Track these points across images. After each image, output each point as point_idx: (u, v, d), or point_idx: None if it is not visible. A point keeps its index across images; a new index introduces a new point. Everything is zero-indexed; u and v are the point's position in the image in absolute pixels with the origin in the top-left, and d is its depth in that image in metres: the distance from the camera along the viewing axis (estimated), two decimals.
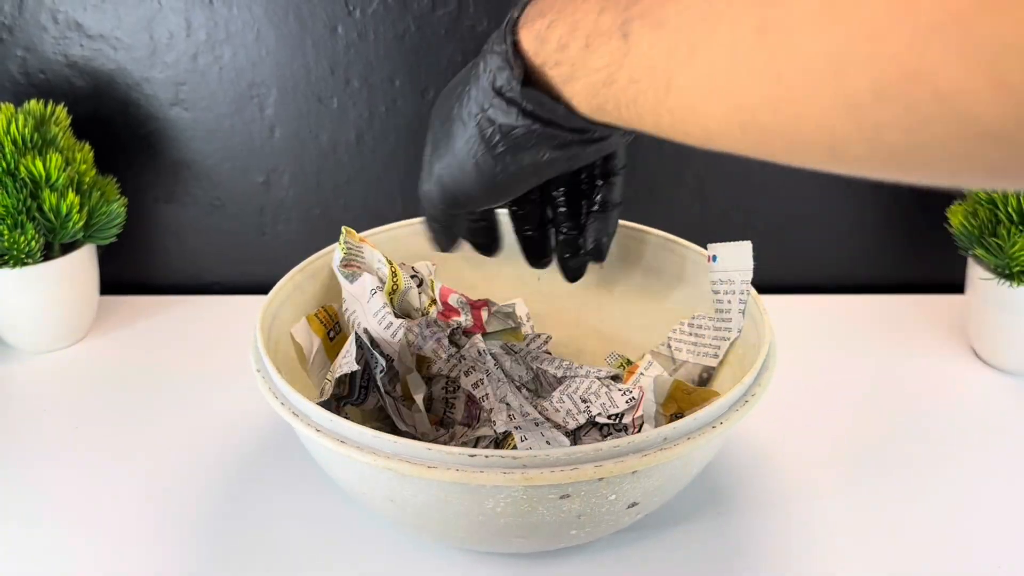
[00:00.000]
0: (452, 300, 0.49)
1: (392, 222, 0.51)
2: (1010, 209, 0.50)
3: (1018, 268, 0.50)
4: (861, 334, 0.60)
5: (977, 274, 0.53)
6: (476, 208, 0.33)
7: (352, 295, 0.44)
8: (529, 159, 0.30)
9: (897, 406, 0.51)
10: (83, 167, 0.57)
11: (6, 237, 0.52)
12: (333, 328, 0.46)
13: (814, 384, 0.53)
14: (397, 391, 0.44)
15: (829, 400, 0.52)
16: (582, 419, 0.44)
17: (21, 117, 0.53)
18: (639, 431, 0.41)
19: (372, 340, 0.42)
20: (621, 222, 0.49)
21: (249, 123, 0.63)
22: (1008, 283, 0.51)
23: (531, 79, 0.28)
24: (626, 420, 0.44)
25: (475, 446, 0.43)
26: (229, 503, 0.44)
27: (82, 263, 0.58)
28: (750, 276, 0.42)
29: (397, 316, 0.43)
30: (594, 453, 0.30)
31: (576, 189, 0.41)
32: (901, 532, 0.41)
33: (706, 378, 0.45)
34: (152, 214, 0.67)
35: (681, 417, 0.43)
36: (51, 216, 0.53)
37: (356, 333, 0.42)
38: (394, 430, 0.41)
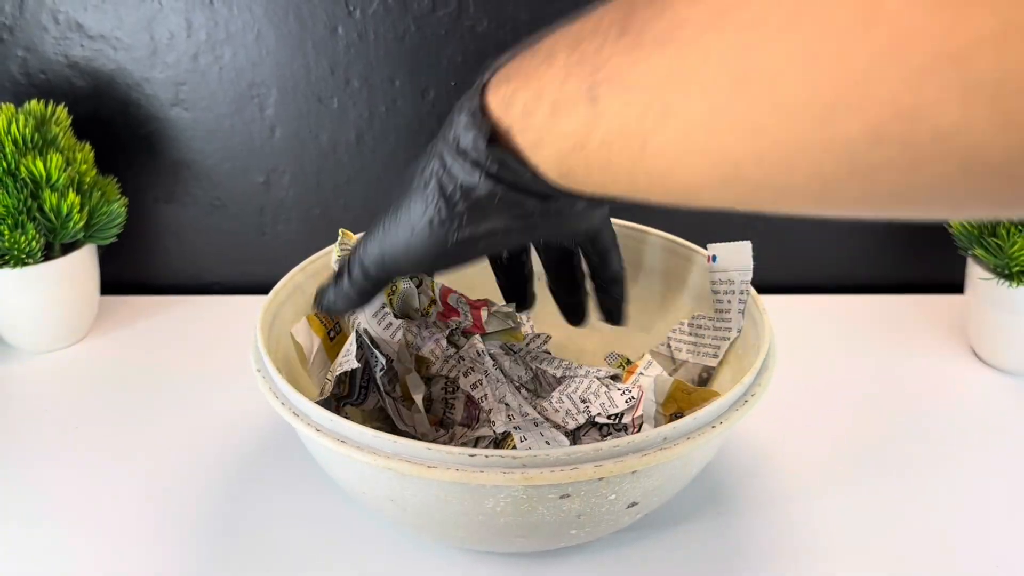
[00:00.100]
0: (451, 300, 0.49)
1: None
2: None
3: (1018, 268, 0.50)
4: (861, 334, 0.60)
5: (977, 274, 0.53)
6: (411, 274, 0.31)
7: None
8: (485, 227, 0.29)
9: (897, 406, 0.51)
10: (84, 167, 0.57)
11: (7, 237, 0.52)
12: (333, 328, 0.46)
13: (814, 384, 0.53)
14: (396, 391, 0.44)
15: (829, 400, 0.52)
16: (581, 419, 0.44)
17: (22, 117, 0.53)
18: (639, 431, 0.42)
19: (372, 339, 0.42)
20: (621, 222, 0.49)
21: (249, 123, 0.63)
22: (1008, 283, 0.51)
23: (498, 141, 0.27)
24: (626, 420, 0.44)
25: (475, 446, 0.43)
26: (229, 503, 0.44)
27: (82, 263, 0.58)
28: (750, 276, 0.42)
29: (397, 316, 0.44)
30: (594, 453, 0.30)
31: (569, 265, 0.42)
32: (901, 532, 0.41)
33: (706, 378, 0.45)
34: (152, 214, 0.67)
35: (681, 417, 0.43)
36: (52, 216, 0.54)
37: (356, 331, 0.42)
38: (394, 430, 0.41)
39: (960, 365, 0.56)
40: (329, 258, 0.47)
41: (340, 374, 0.40)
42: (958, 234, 0.54)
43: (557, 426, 0.44)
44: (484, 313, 0.50)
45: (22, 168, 0.53)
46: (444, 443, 0.43)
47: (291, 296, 0.44)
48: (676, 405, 0.43)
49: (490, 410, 0.44)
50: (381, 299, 0.43)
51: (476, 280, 0.53)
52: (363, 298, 0.36)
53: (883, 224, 0.67)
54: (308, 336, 0.45)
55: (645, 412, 0.43)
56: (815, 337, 0.59)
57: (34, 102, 0.56)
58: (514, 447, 0.40)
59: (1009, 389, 0.53)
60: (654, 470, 0.32)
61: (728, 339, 0.43)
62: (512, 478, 0.30)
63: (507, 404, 0.44)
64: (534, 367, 0.49)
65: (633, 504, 0.34)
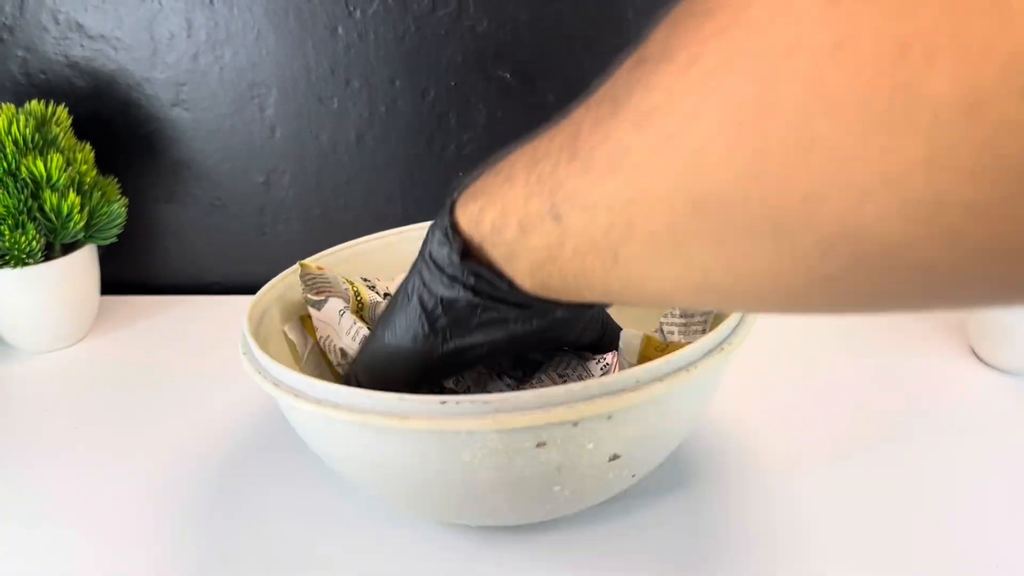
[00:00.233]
0: None
1: (392, 222, 0.51)
2: None
3: None
4: (861, 334, 0.60)
5: None
6: (402, 391, 0.32)
7: (323, 322, 0.44)
8: (470, 340, 0.30)
9: (897, 406, 0.51)
10: (84, 167, 0.57)
11: (7, 237, 0.52)
12: None
13: (814, 384, 0.53)
14: None
15: (828, 400, 0.52)
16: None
17: (22, 117, 0.53)
18: None
19: (350, 358, 0.42)
20: None
21: (249, 123, 0.63)
22: None
23: (473, 255, 0.28)
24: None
25: None
26: (229, 503, 0.44)
27: (83, 263, 0.58)
28: None
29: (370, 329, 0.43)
30: (566, 395, 0.30)
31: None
32: (900, 532, 0.41)
33: None
34: (152, 214, 0.67)
35: None
36: (52, 216, 0.54)
37: (333, 352, 0.42)
38: None
39: (960, 365, 0.56)
40: (331, 258, 0.47)
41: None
42: None
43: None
44: None
45: (22, 168, 0.53)
46: None
47: (283, 295, 0.44)
48: (649, 360, 0.43)
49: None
50: (352, 318, 0.43)
51: None
52: None
53: None
54: (302, 335, 0.45)
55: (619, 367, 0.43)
56: (815, 337, 0.59)
57: (34, 102, 0.56)
58: None
59: (1009, 389, 0.53)
60: (630, 416, 0.32)
61: (714, 311, 0.43)
62: (484, 423, 0.29)
63: (490, 391, 0.44)
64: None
65: (615, 457, 0.34)
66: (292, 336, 0.44)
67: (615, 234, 0.21)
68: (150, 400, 0.53)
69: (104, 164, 0.61)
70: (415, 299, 0.31)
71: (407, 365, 0.32)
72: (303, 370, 0.44)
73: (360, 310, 0.45)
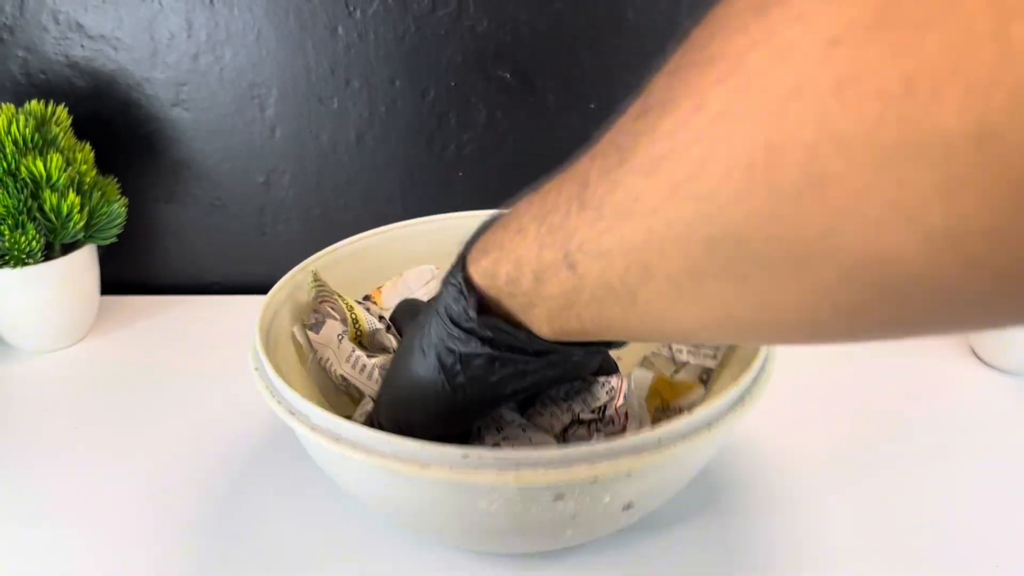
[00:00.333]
0: None
1: (392, 222, 0.51)
2: None
3: None
4: None
5: None
6: (428, 437, 0.32)
7: (321, 344, 0.44)
8: (491, 391, 0.31)
9: (897, 406, 0.51)
10: (84, 167, 0.57)
11: (7, 237, 0.52)
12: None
13: (814, 384, 0.53)
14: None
15: (829, 400, 0.52)
16: (567, 419, 0.44)
17: (22, 117, 0.53)
18: (625, 420, 0.41)
19: (351, 384, 0.42)
20: None
21: (249, 123, 0.63)
22: None
23: (488, 308, 0.29)
24: (609, 411, 0.44)
25: None
26: (229, 503, 0.44)
27: (82, 263, 0.58)
28: None
29: (370, 355, 0.43)
30: (588, 453, 0.30)
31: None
32: (900, 532, 0.41)
33: (705, 379, 0.45)
34: (152, 214, 0.67)
35: (666, 409, 0.43)
36: (52, 216, 0.54)
37: (334, 378, 0.42)
38: None
39: (960, 365, 0.56)
40: (331, 257, 0.47)
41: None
42: None
43: (544, 430, 0.44)
44: None
45: (22, 168, 0.53)
46: None
47: (291, 295, 0.44)
48: (660, 397, 0.43)
49: (480, 427, 0.44)
50: (351, 346, 0.43)
51: None
52: None
53: None
54: (308, 340, 0.45)
55: (628, 403, 0.43)
56: None
57: (34, 102, 0.56)
58: None
59: (1009, 389, 0.53)
60: (649, 471, 0.32)
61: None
62: (505, 478, 0.29)
63: (493, 417, 0.44)
64: None
65: (629, 506, 0.34)
66: (300, 338, 0.44)
67: (632, 278, 0.21)
68: (150, 400, 0.53)
69: (104, 164, 0.61)
70: (432, 356, 0.31)
71: (427, 415, 0.32)
72: (309, 372, 0.44)
73: (359, 336, 0.45)
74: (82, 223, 0.55)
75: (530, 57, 0.60)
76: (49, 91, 0.61)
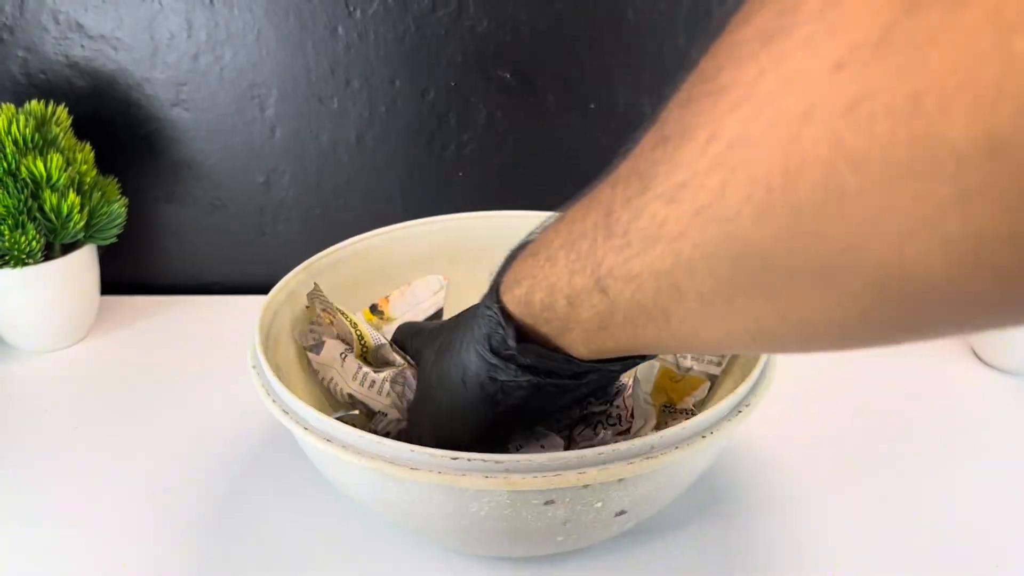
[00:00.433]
0: None
1: (392, 222, 0.51)
2: None
3: None
4: None
5: None
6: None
7: (324, 364, 0.44)
8: (532, 413, 0.33)
9: (897, 407, 0.51)
10: (84, 167, 0.57)
11: (7, 237, 0.52)
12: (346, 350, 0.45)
13: (813, 385, 0.53)
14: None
15: (829, 401, 0.52)
16: (575, 412, 0.44)
17: (22, 117, 0.53)
18: (631, 417, 0.41)
19: (359, 402, 0.42)
20: None
21: (249, 123, 0.63)
22: None
23: (526, 336, 0.30)
24: (617, 403, 0.43)
25: None
26: (229, 503, 0.44)
27: (83, 263, 0.58)
28: None
29: (377, 370, 0.43)
30: (578, 460, 0.30)
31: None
32: (900, 532, 0.41)
33: (710, 387, 0.45)
34: (152, 214, 0.67)
35: (671, 408, 0.43)
36: (52, 216, 0.54)
37: (340, 398, 0.42)
38: None
39: (960, 365, 0.56)
40: (333, 256, 0.47)
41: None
42: None
43: (551, 427, 0.44)
44: None
45: (22, 168, 0.53)
46: None
47: (291, 295, 0.44)
48: (665, 395, 0.43)
49: None
50: (356, 363, 0.43)
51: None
52: None
53: None
54: (309, 360, 0.45)
55: (634, 397, 0.43)
56: None
57: (34, 102, 0.56)
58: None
59: (1009, 389, 0.53)
60: (641, 479, 0.32)
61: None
62: (495, 482, 0.29)
63: None
64: None
65: (621, 512, 0.33)
66: (302, 341, 0.44)
67: (664, 298, 0.22)
68: (150, 400, 0.53)
69: (104, 164, 0.61)
70: (475, 387, 0.32)
71: (470, 439, 0.33)
72: (317, 372, 0.44)
73: (364, 353, 0.45)
74: (82, 223, 0.55)
75: (530, 57, 0.60)
76: (49, 91, 0.62)
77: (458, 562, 0.39)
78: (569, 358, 0.29)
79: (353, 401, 0.42)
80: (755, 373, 0.35)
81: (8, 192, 0.52)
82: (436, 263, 0.52)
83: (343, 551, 0.40)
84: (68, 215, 0.54)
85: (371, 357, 0.45)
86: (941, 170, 0.14)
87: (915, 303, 0.16)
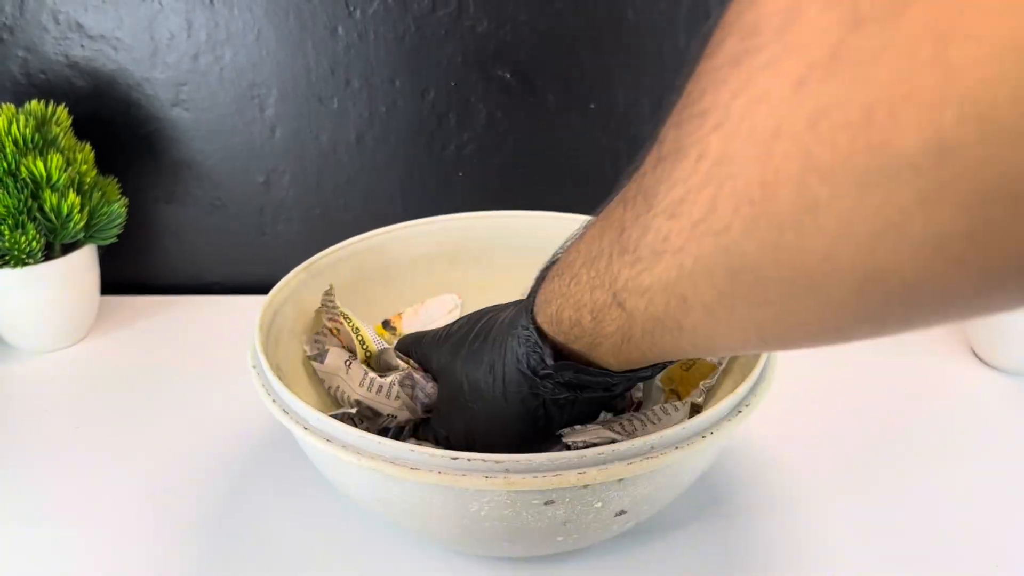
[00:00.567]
0: None
1: (392, 222, 0.51)
2: None
3: None
4: None
5: None
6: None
7: (329, 373, 0.44)
8: (568, 421, 0.35)
9: (897, 407, 0.51)
10: (84, 167, 0.57)
11: (7, 237, 0.52)
12: (349, 358, 0.45)
13: (813, 385, 0.53)
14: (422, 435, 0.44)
15: (828, 400, 0.52)
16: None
17: (22, 117, 0.53)
18: (636, 408, 0.41)
19: (367, 407, 0.42)
20: None
21: (249, 123, 0.63)
22: None
23: (561, 354, 0.32)
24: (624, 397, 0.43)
25: None
26: (229, 503, 0.44)
27: (83, 263, 0.58)
28: None
29: (382, 374, 0.43)
30: (578, 460, 0.30)
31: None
32: (899, 532, 0.41)
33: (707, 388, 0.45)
34: (152, 214, 0.67)
35: (677, 397, 0.43)
36: (52, 216, 0.54)
37: (348, 405, 0.42)
38: None
39: (960, 365, 0.56)
40: (334, 256, 0.47)
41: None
42: None
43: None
44: None
45: (23, 168, 0.53)
46: None
47: (291, 295, 0.44)
48: (672, 382, 0.43)
49: None
50: (362, 369, 0.43)
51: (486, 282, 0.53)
52: None
53: None
54: (315, 369, 0.45)
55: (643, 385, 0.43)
56: None
57: (34, 102, 0.56)
58: None
59: (1009, 389, 0.53)
60: (641, 479, 0.32)
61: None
62: (495, 482, 0.29)
63: None
64: None
65: (621, 512, 0.33)
66: (305, 345, 0.44)
67: (674, 309, 0.23)
68: (150, 400, 0.53)
69: (104, 164, 0.61)
70: (516, 403, 0.34)
71: (511, 447, 0.34)
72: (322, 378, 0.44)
73: (368, 358, 0.45)
74: (82, 223, 0.55)
75: (530, 57, 0.60)
76: (49, 91, 0.61)
77: (458, 562, 0.39)
78: (603, 371, 0.31)
79: (360, 407, 0.42)
80: (755, 373, 0.35)
81: (8, 192, 0.52)
82: (436, 263, 0.52)
83: (343, 551, 0.40)
84: (68, 215, 0.54)
85: (374, 362, 0.45)
86: (899, 176, 0.15)
87: (897, 301, 0.17)
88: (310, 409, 0.32)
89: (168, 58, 0.61)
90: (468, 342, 0.37)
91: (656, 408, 0.40)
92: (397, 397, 0.42)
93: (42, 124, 0.55)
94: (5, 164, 0.52)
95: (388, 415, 0.42)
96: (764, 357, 0.37)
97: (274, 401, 0.34)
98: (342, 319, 0.45)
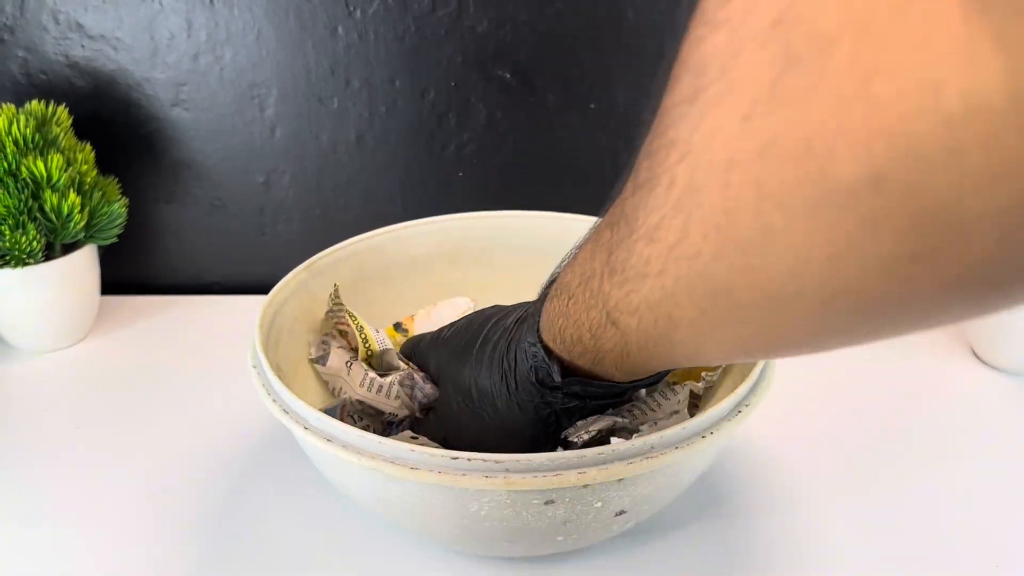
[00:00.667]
0: None
1: (392, 222, 0.51)
2: None
3: None
4: None
5: None
6: None
7: (331, 375, 0.44)
8: (572, 423, 0.36)
9: (896, 407, 0.51)
10: (84, 167, 0.57)
11: (8, 237, 0.52)
12: (351, 358, 0.46)
13: (813, 385, 0.53)
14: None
15: (828, 401, 0.52)
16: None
17: (22, 117, 0.53)
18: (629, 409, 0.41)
19: (367, 407, 0.42)
20: None
21: (249, 123, 0.63)
22: None
23: (569, 369, 0.33)
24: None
25: None
26: (229, 503, 0.44)
27: (83, 263, 0.58)
28: None
29: (383, 374, 0.43)
30: (578, 460, 0.30)
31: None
32: (899, 532, 0.41)
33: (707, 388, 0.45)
34: (153, 214, 0.67)
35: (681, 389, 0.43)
36: (52, 216, 0.54)
37: (347, 404, 0.42)
38: None
39: (960, 365, 0.56)
40: (335, 256, 0.47)
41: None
42: None
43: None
44: None
45: (23, 168, 0.53)
46: None
47: (292, 295, 0.44)
48: (676, 375, 0.43)
49: None
50: (362, 369, 0.43)
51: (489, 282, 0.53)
52: None
53: None
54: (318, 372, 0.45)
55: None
56: None
57: (35, 102, 0.56)
58: None
59: (1009, 389, 0.53)
60: (641, 479, 0.32)
61: None
62: (495, 482, 0.29)
63: None
64: None
65: (621, 512, 0.33)
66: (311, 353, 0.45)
67: (663, 326, 0.24)
68: (150, 400, 0.53)
69: (104, 164, 0.61)
70: (530, 410, 0.35)
71: (515, 447, 0.35)
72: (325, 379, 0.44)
73: (369, 357, 0.45)
74: (82, 223, 0.55)
75: (530, 57, 0.60)
76: (49, 91, 0.61)
77: (458, 562, 0.39)
78: (609, 383, 0.32)
79: (362, 407, 0.42)
80: (755, 373, 0.35)
81: (8, 192, 0.52)
82: (436, 263, 0.52)
83: (343, 551, 0.40)
84: (68, 215, 0.54)
85: (375, 362, 0.45)
86: (843, 203, 0.16)
87: (863, 316, 0.18)
88: (310, 409, 0.32)
89: (168, 58, 0.61)
90: (475, 348, 0.37)
91: (656, 395, 0.40)
92: (397, 397, 0.42)
93: (42, 124, 0.55)
94: (5, 164, 0.52)
95: (389, 414, 0.42)
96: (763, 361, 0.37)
97: (274, 401, 0.34)
98: (348, 318, 0.45)
